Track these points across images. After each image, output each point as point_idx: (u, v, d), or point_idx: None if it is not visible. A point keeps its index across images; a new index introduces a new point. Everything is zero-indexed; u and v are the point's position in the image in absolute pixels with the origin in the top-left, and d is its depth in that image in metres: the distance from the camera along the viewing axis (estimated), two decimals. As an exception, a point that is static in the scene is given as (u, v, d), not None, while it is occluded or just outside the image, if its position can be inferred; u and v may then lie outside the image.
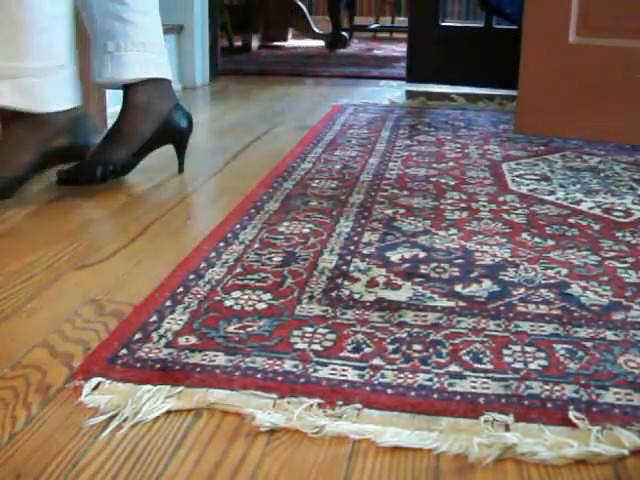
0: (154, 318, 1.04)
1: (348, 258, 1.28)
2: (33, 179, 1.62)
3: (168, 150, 1.80)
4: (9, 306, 1.11)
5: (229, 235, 1.38)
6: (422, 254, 1.30)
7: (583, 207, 1.59)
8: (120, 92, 1.77)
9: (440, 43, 3.09)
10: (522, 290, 1.15)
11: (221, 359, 0.93)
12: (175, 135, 1.79)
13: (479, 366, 0.92)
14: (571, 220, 1.50)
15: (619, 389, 0.88)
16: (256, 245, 1.33)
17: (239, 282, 1.17)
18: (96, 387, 0.88)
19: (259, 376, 0.90)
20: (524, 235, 1.40)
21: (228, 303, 1.10)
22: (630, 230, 1.44)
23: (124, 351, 0.96)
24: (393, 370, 0.91)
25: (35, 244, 1.36)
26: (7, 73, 1.50)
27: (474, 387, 0.88)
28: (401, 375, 0.90)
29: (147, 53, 1.73)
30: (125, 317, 1.06)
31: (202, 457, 0.77)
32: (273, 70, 3.90)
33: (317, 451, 0.78)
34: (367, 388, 0.88)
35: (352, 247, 1.33)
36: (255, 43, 4.88)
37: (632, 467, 0.76)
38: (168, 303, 1.09)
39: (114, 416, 0.83)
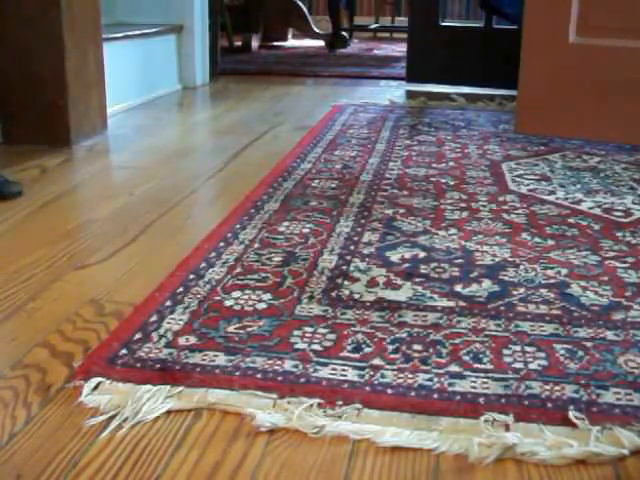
0: (154, 318, 1.04)
1: (348, 258, 1.28)
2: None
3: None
4: (9, 306, 1.11)
5: (229, 235, 1.37)
6: (422, 254, 1.30)
7: (583, 207, 1.58)
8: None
9: (440, 43, 3.09)
10: (522, 290, 1.15)
11: (221, 359, 0.93)
12: None
13: (479, 366, 0.92)
14: (571, 220, 1.50)
15: (619, 389, 0.88)
16: (256, 245, 1.33)
17: (239, 282, 1.17)
18: (96, 387, 0.88)
19: (259, 376, 0.90)
20: (524, 235, 1.40)
21: (228, 303, 1.10)
22: (630, 230, 1.44)
23: (124, 351, 0.95)
24: (393, 370, 0.91)
25: (35, 244, 1.36)
26: None
27: (474, 387, 0.88)
28: (401, 375, 0.90)
29: None
30: (125, 317, 1.06)
31: (202, 457, 0.77)
32: (273, 70, 3.90)
33: (317, 451, 0.78)
34: (367, 388, 0.87)
35: (352, 247, 1.33)
36: (255, 43, 4.88)
37: (632, 467, 0.76)
38: (168, 303, 1.09)
39: (114, 416, 0.83)
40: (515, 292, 1.14)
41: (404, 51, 3.37)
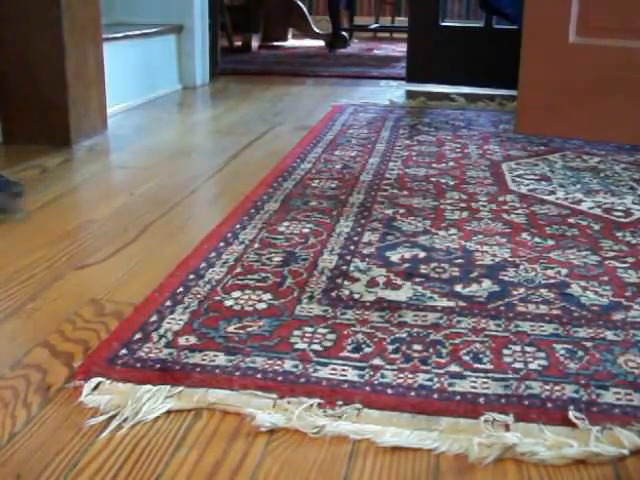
0: (154, 318, 1.04)
1: (348, 258, 1.27)
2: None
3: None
4: (9, 306, 1.11)
5: (229, 235, 1.37)
6: (422, 254, 1.30)
7: (583, 207, 1.58)
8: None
9: (440, 43, 3.09)
10: (522, 290, 1.15)
11: (221, 359, 0.93)
12: None
13: (479, 366, 0.92)
14: (571, 220, 1.50)
15: (619, 389, 0.88)
16: (256, 245, 1.33)
17: (239, 282, 1.17)
18: (96, 387, 0.88)
19: (259, 376, 0.90)
20: (524, 235, 1.40)
21: (228, 303, 1.10)
22: (630, 230, 1.44)
23: (124, 351, 0.95)
24: (393, 370, 0.91)
25: (35, 244, 1.36)
26: None
27: (474, 387, 0.88)
28: (401, 375, 0.90)
29: None
30: (125, 317, 1.06)
31: (202, 457, 0.77)
32: (273, 70, 3.90)
33: (317, 451, 0.78)
34: (367, 388, 0.87)
35: (352, 247, 1.33)
36: (255, 43, 4.88)
37: (632, 467, 0.76)
38: (168, 303, 1.09)
39: (114, 416, 0.83)
40: (515, 292, 1.14)
41: (404, 51, 3.37)
